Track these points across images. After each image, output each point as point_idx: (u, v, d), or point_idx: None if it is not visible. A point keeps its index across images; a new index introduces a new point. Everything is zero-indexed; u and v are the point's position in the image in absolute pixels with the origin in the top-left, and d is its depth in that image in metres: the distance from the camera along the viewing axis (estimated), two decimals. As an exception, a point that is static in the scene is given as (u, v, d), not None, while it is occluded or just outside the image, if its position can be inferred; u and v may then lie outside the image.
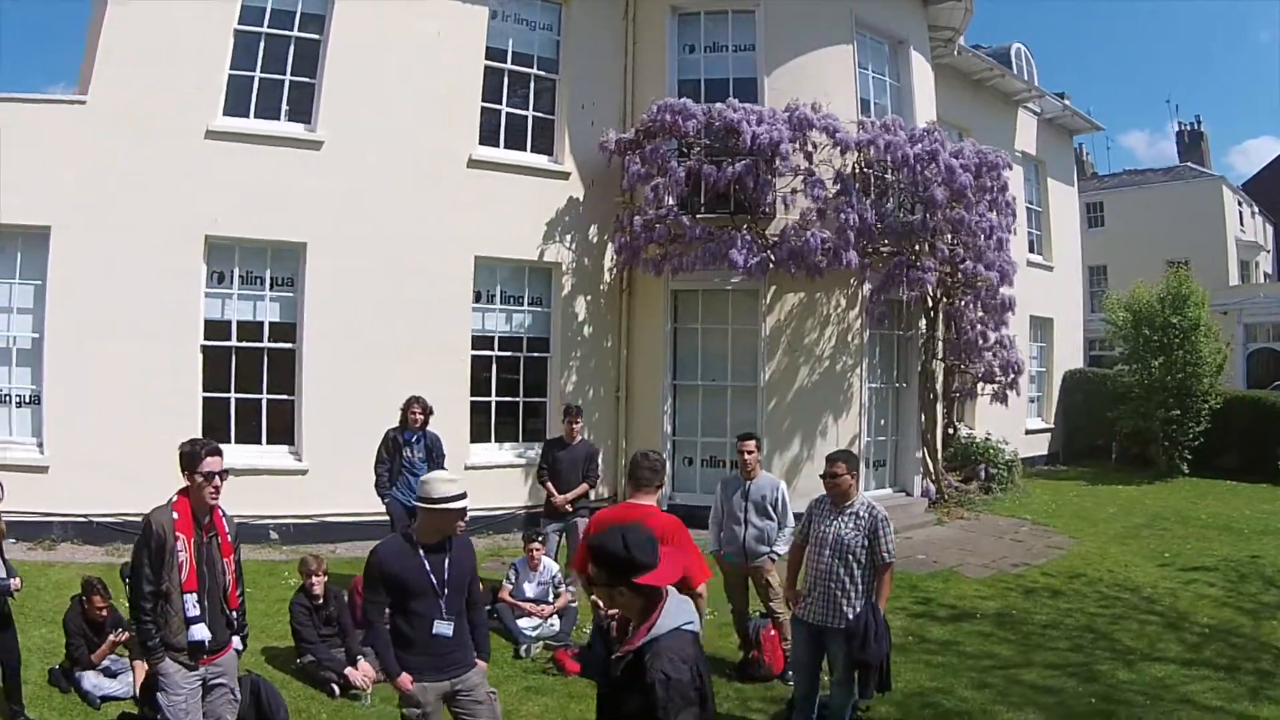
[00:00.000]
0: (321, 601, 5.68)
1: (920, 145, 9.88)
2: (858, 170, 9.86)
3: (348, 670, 5.35)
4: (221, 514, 3.70)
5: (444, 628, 3.57)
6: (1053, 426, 16.12)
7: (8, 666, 4.58)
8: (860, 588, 4.54)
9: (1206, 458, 14.12)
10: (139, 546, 3.51)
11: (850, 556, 4.53)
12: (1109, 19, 76.31)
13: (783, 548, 5.76)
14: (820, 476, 4.81)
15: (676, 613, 2.41)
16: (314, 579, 5.66)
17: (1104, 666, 5.85)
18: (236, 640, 3.80)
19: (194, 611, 3.50)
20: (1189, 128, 25.05)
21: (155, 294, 8.27)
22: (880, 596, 4.63)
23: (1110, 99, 75.35)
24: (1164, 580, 8.11)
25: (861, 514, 4.60)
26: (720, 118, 9.36)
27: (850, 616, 4.50)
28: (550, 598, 6.55)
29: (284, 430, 8.91)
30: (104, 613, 5.20)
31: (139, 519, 7.98)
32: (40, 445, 8.04)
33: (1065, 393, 16.27)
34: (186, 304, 8.46)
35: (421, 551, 3.55)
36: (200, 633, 3.50)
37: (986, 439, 12.72)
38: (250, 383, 8.81)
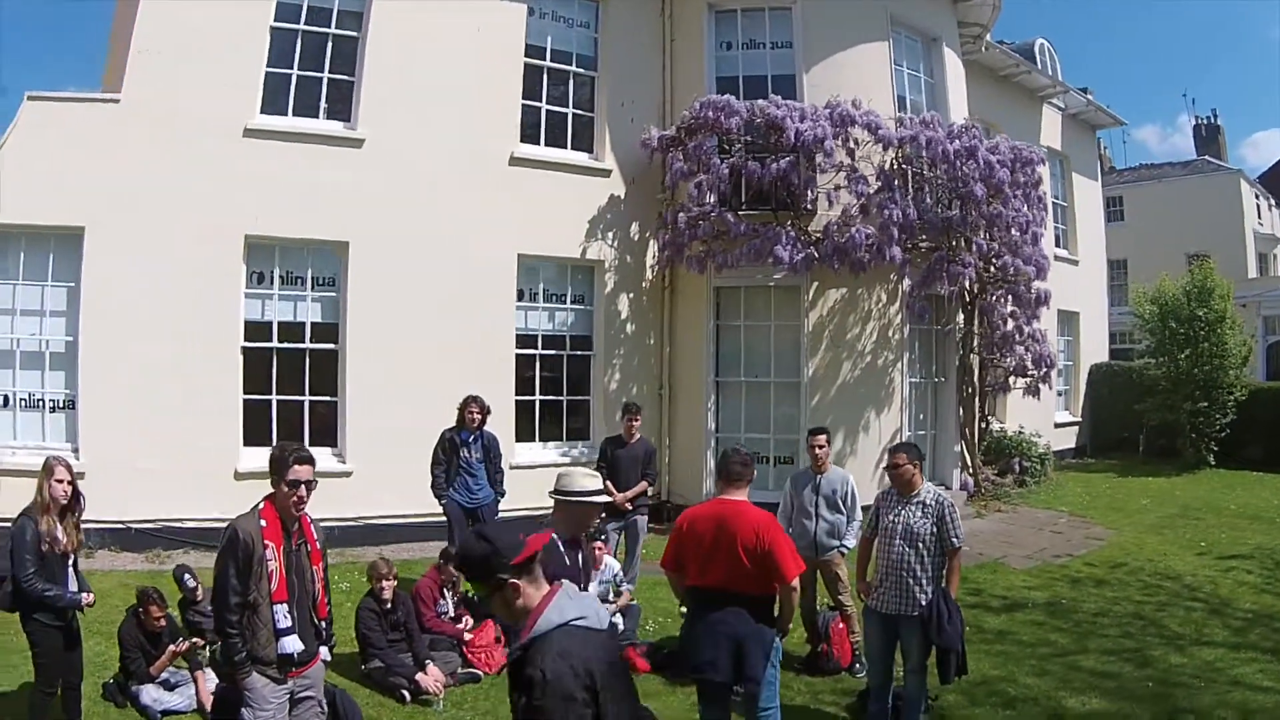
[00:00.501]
0: (390, 606, 5.61)
1: (959, 141, 9.92)
2: (896, 166, 9.88)
3: (419, 676, 5.28)
4: (310, 520, 3.56)
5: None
6: (1080, 420, 16.20)
7: (69, 683, 4.44)
8: (931, 574, 4.62)
9: (1232, 449, 14.20)
10: (224, 556, 3.34)
11: (920, 544, 4.61)
12: (1115, 17, 76.24)
13: (852, 541, 5.83)
14: (884, 469, 4.88)
15: (567, 608, 2.29)
16: (384, 583, 5.59)
17: (1156, 651, 6.00)
18: (324, 651, 3.62)
19: (285, 623, 3.36)
20: (1205, 122, 25.15)
21: (193, 295, 8.19)
22: (951, 582, 4.71)
23: (1119, 93, 75.44)
24: (1203, 568, 8.26)
25: (929, 502, 4.69)
26: (763, 114, 9.37)
27: (923, 603, 4.58)
28: (612, 596, 6.54)
29: (327, 432, 8.84)
30: (161, 623, 5.08)
31: (178, 524, 8.04)
32: (76, 450, 7.86)
33: (1091, 386, 16.35)
34: (226, 305, 8.40)
35: (562, 548, 3.54)
36: (292, 644, 3.37)
37: (1020, 433, 12.79)
38: (292, 385, 8.75)
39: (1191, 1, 68.84)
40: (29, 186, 7.78)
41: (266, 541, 3.34)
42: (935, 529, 4.62)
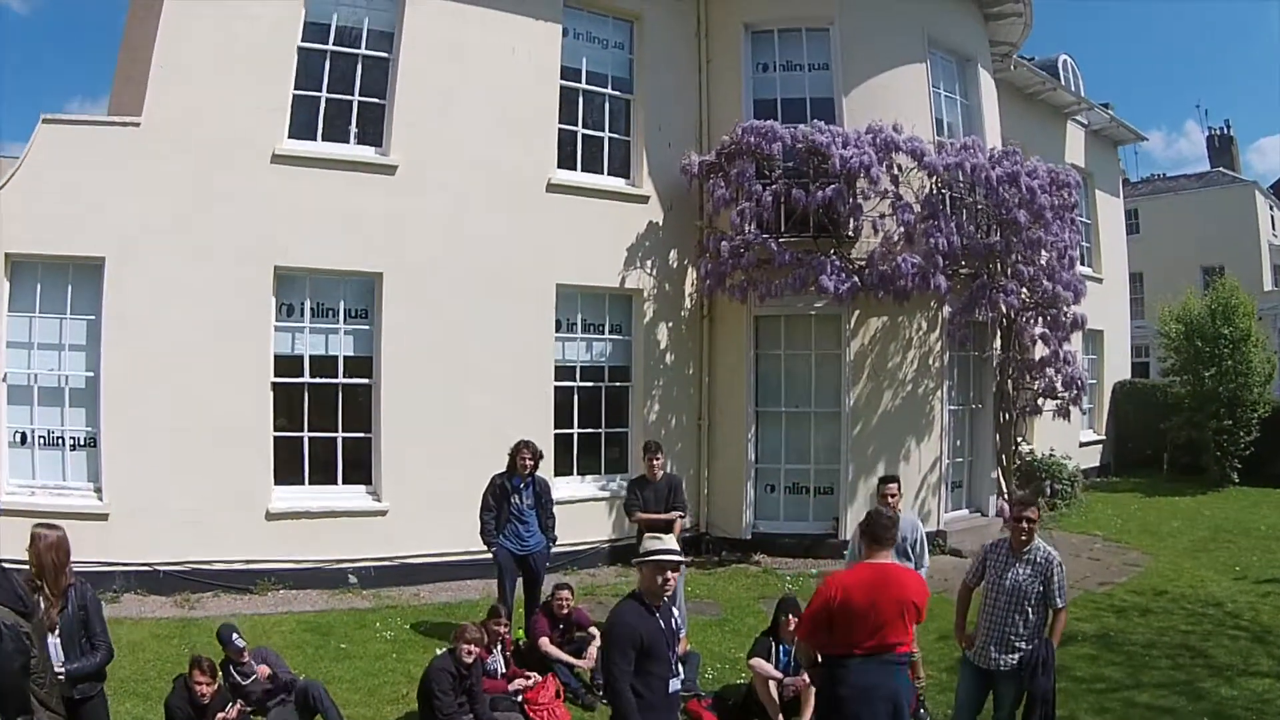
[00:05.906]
0: (468, 670, 5.35)
1: (1001, 167, 9.79)
2: (937, 191, 9.73)
3: None
4: None
5: (676, 684, 3.61)
6: (1104, 438, 16.16)
7: None
8: (1032, 630, 4.65)
9: (1256, 467, 14.24)
10: None
11: (1026, 603, 4.64)
12: (1118, 21, 75.93)
13: (922, 587, 5.72)
14: (1009, 520, 4.94)
15: None
16: (473, 648, 5.34)
17: (1207, 684, 6.11)
18: None
19: None
20: (1219, 132, 25.12)
21: (221, 328, 7.88)
22: (1055, 634, 4.74)
23: (1122, 100, 75.10)
24: (1241, 594, 8.40)
25: (1039, 560, 4.70)
26: (806, 140, 9.19)
27: (1025, 650, 4.61)
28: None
29: (361, 469, 8.55)
30: (209, 692, 4.79)
31: (207, 567, 7.76)
32: (98, 491, 7.57)
33: (1115, 404, 16.34)
34: (255, 338, 8.08)
35: (656, 613, 3.58)
36: None
37: (1050, 455, 12.70)
38: (324, 420, 8.44)
39: (1196, 5, 68.85)
40: (45, 214, 7.47)
41: None
42: (1041, 588, 4.63)
